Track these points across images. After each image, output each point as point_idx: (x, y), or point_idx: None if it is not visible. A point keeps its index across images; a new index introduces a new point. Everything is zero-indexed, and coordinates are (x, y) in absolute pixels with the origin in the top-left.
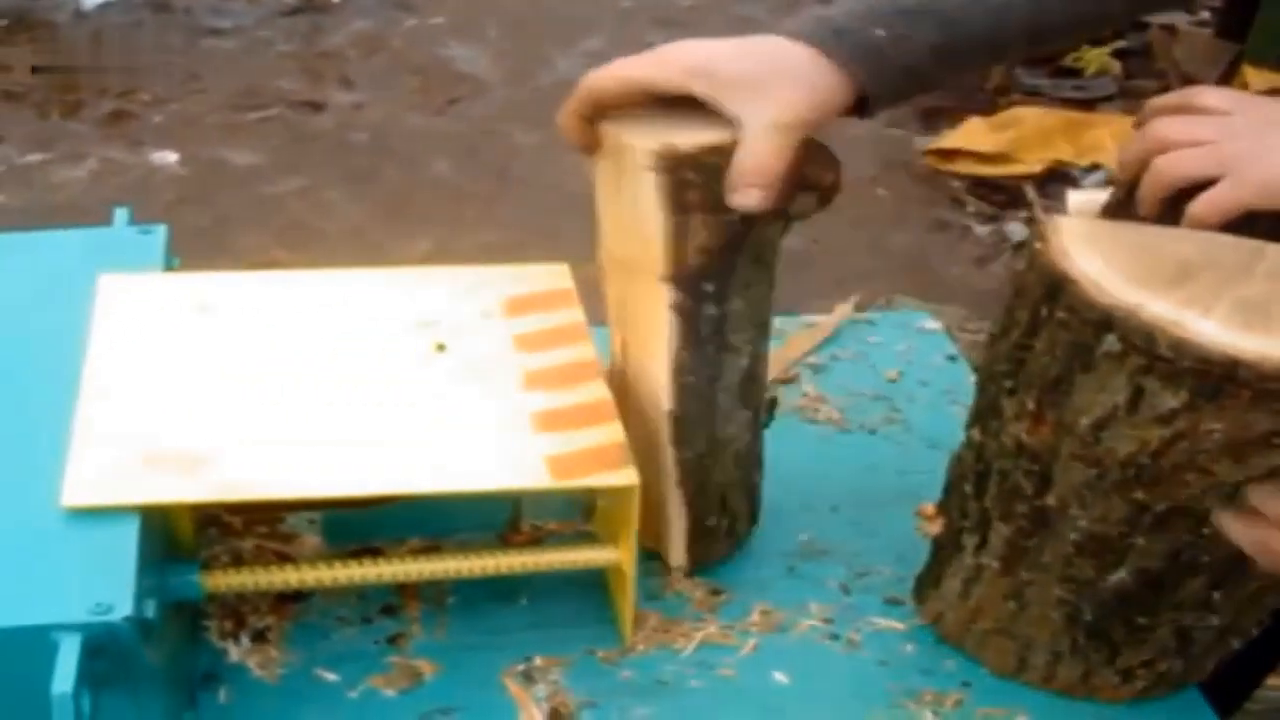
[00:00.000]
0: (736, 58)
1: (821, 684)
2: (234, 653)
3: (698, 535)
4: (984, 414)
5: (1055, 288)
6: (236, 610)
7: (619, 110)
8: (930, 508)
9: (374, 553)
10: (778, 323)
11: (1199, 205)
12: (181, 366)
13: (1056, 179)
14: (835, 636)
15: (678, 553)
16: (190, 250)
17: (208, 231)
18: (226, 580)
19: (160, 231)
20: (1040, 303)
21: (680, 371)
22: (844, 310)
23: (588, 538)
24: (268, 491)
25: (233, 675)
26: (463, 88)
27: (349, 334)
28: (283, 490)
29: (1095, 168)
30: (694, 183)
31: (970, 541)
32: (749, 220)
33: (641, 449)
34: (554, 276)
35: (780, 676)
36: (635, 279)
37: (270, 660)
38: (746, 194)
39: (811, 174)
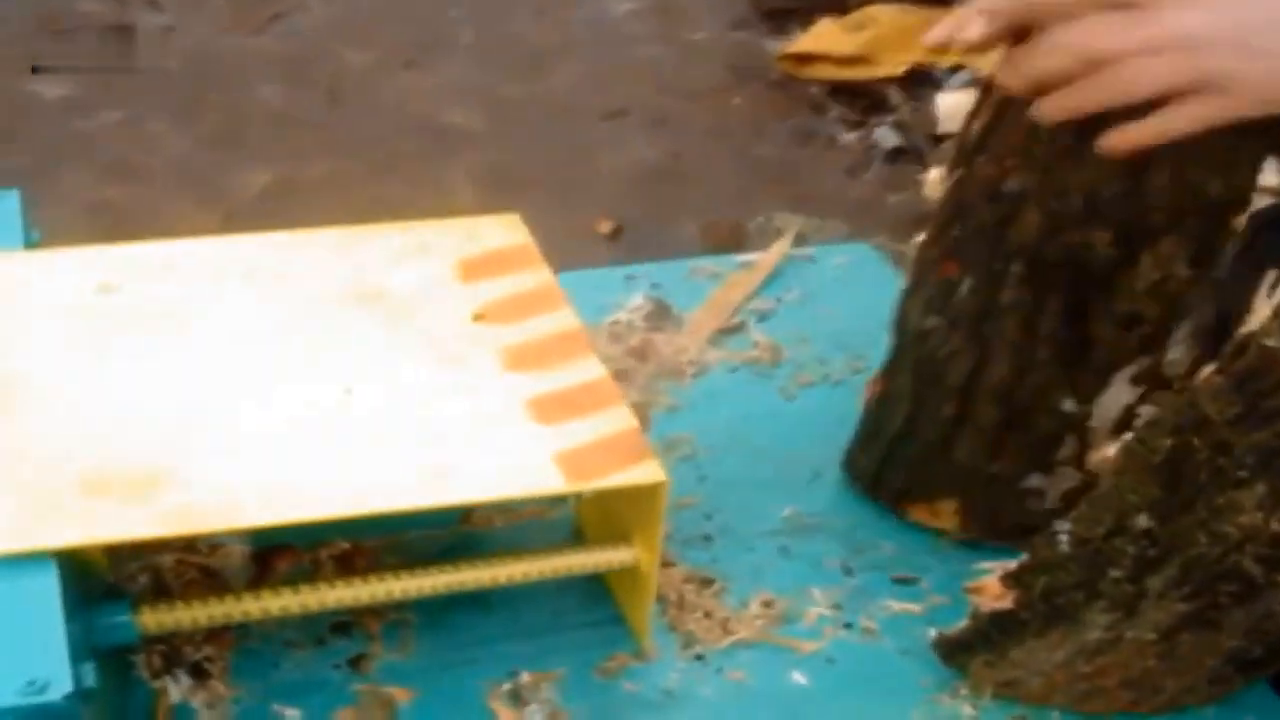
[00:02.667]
0: None
1: (845, 682)
2: (174, 692)
3: None
4: (1173, 506)
5: None
6: (168, 640)
7: None
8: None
9: (340, 568)
10: (711, 264)
11: (1183, 121)
12: (97, 364)
13: (920, 81)
14: (849, 625)
15: None
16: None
17: (28, 172)
18: (164, 619)
19: (13, 198)
20: None
21: None
22: (782, 247)
23: (573, 533)
24: (245, 519)
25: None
26: (281, 3)
27: (286, 313)
28: (265, 516)
29: (958, 68)
30: None
31: (1104, 619)
32: None
33: None
34: (507, 230)
35: (799, 677)
36: None
37: (219, 698)
38: None
39: None
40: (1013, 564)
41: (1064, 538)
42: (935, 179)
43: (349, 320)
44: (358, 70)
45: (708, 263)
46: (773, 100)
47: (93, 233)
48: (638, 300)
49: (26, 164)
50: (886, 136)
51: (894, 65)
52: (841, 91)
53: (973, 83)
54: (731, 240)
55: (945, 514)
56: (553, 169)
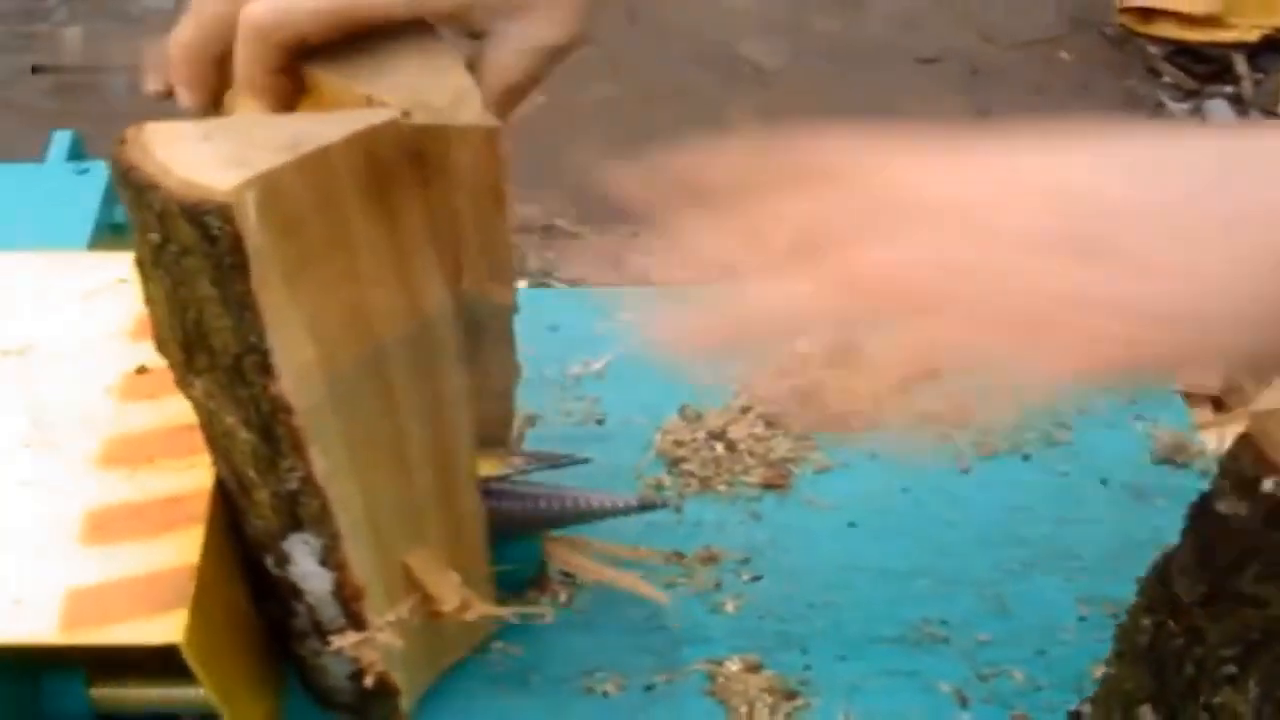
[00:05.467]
0: None
1: None
2: None
3: None
4: (1170, 701)
5: None
6: None
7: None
8: None
9: None
10: None
11: None
12: None
13: (1272, 49)
14: None
15: None
16: None
17: None
18: (120, 695)
19: (101, 171)
20: None
21: None
22: None
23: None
24: None
25: None
26: None
27: None
28: None
29: None
30: None
31: None
32: None
33: None
34: None
35: None
36: None
37: None
38: None
39: None
40: None
41: None
42: None
43: None
44: None
45: None
46: (1105, 58)
47: None
48: None
49: None
50: (1219, 110)
51: (1248, 29)
52: (1182, 54)
53: None
54: None
55: None
56: (844, 117)
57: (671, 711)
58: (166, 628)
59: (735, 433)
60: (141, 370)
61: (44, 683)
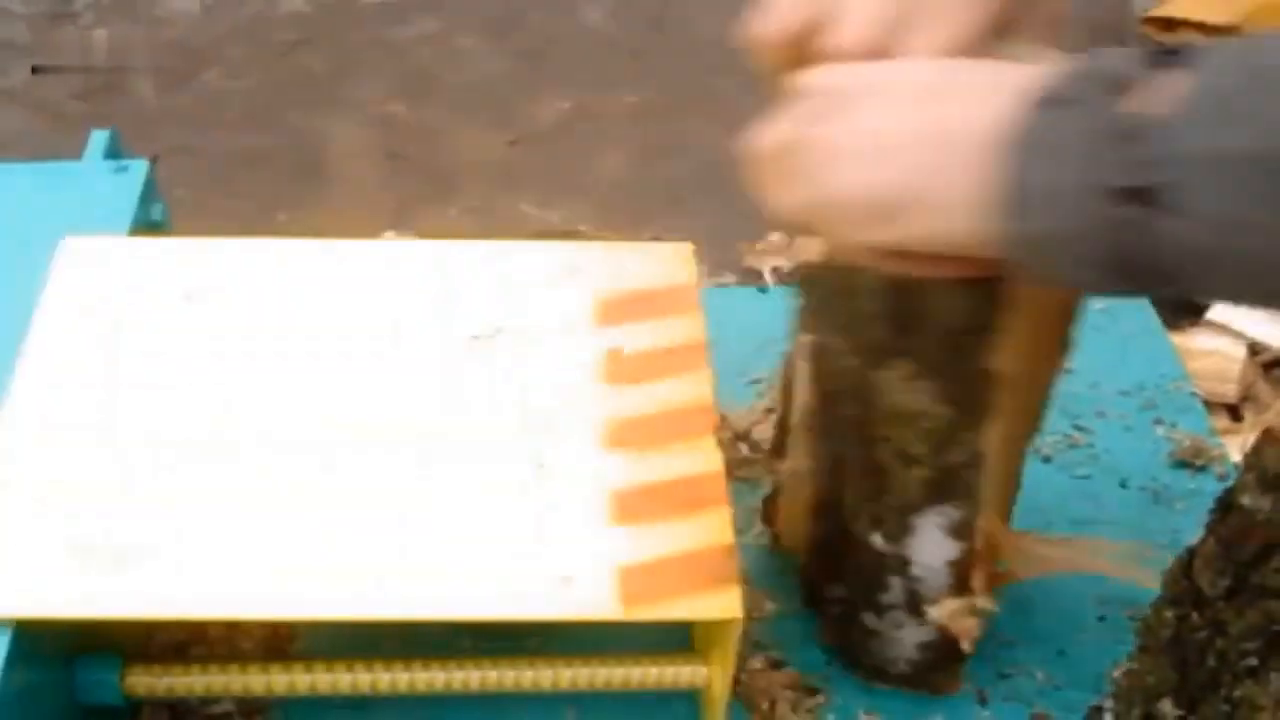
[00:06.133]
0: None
1: None
2: None
3: None
4: (1192, 695)
5: None
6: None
7: None
8: None
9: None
10: None
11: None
12: (141, 396)
13: None
14: None
15: None
16: (301, 101)
17: (323, 80)
18: (155, 683)
19: (139, 169)
20: None
21: None
22: None
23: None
24: (207, 610)
25: None
26: None
27: (379, 348)
28: (232, 608)
29: None
30: None
31: None
32: None
33: None
34: (671, 262)
35: None
36: None
37: None
38: None
39: None
40: None
41: (1109, 717)
42: None
43: (448, 365)
44: None
45: None
46: None
47: (367, 148)
48: None
49: (324, 70)
50: None
51: None
52: None
53: None
54: None
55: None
56: None
57: None
58: (725, 604)
59: (759, 434)
60: (617, 354)
61: (78, 668)
